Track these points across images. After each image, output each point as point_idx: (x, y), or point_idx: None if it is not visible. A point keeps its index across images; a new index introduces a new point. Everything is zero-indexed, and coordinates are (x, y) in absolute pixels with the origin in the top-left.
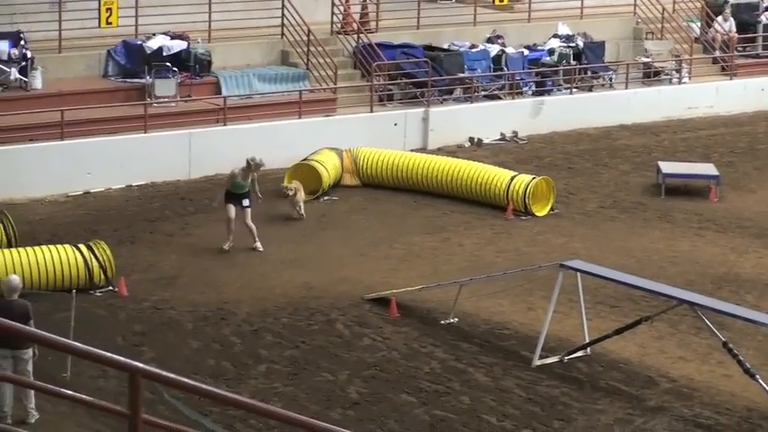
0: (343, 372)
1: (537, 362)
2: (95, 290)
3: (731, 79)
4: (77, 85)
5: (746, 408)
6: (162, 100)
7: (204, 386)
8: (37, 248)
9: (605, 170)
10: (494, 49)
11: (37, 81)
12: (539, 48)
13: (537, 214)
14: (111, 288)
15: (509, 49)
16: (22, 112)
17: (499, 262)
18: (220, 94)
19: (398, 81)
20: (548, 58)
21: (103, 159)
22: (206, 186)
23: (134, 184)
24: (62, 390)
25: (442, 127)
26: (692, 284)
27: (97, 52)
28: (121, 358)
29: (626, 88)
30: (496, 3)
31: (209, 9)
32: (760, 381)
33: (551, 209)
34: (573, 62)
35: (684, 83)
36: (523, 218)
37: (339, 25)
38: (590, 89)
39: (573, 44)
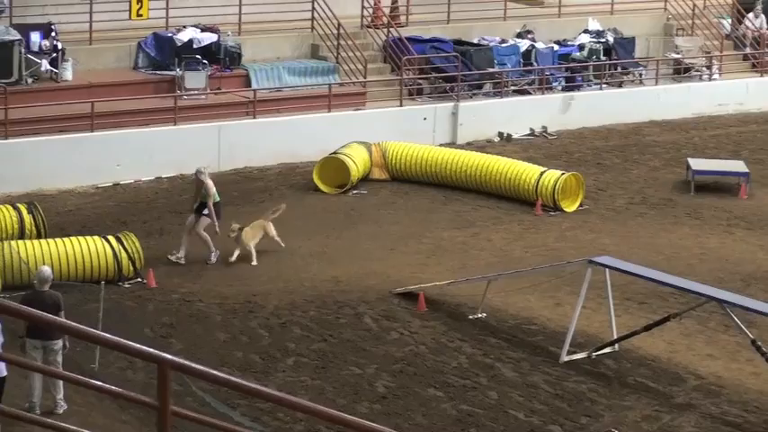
0: (371, 365)
1: (565, 358)
2: (124, 281)
3: (762, 76)
4: (108, 77)
5: None
6: (192, 92)
7: (233, 378)
8: (66, 240)
9: (635, 166)
10: (524, 44)
11: (67, 73)
12: (569, 43)
13: (566, 210)
14: (139, 280)
15: (539, 44)
16: (52, 103)
17: (528, 257)
18: (250, 87)
19: (428, 75)
20: (578, 54)
21: (133, 151)
22: (235, 179)
23: (163, 176)
24: (91, 380)
25: (472, 122)
26: (720, 282)
27: (127, 44)
28: (151, 349)
29: (656, 84)
30: None
31: (240, 2)
32: None
33: (580, 205)
34: (603, 58)
35: (715, 79)
36: (552, 213)
37: (369, 19)
38: (620, 85)
39: (603, 40)
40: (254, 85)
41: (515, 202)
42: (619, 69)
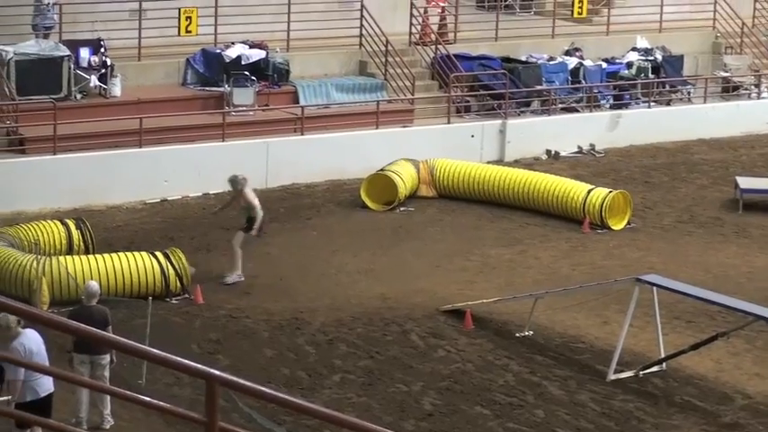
0: (418, 383)
1: (612, 376)
2: (171, 297)
3: None
4: (156, 93)
5: None
6: (240, 109)
7: (281, 394)
8: (114, 255)
9: (682, 184)
10: (572, 62)
11: (116, 88)
12: (617, 61)
13: (613, 228)
14: (187, 296)
15: (587, 62)
16: (101, 119)
17: (575, 275)
18: (298, 103)
19: (476, 93)
20: (626, 72)
21: (181, 167)
22: (282, 196)
23: (211, 192)
24: (139, 396)
25: (519, 139)
26: None
27: (176, 60)
28: (199, 366)
29: (704, 102)
30: (575, 15)
31: (288, 18)
32: None
33: (628, 223)
34: (651, 76)
35: (763, 98)
36: (600, 231)
37: (417, 36)
38: (668, 103)
39: (651, 57)
40: (301, 102)
41: (563, 219)
42: (667, 87)
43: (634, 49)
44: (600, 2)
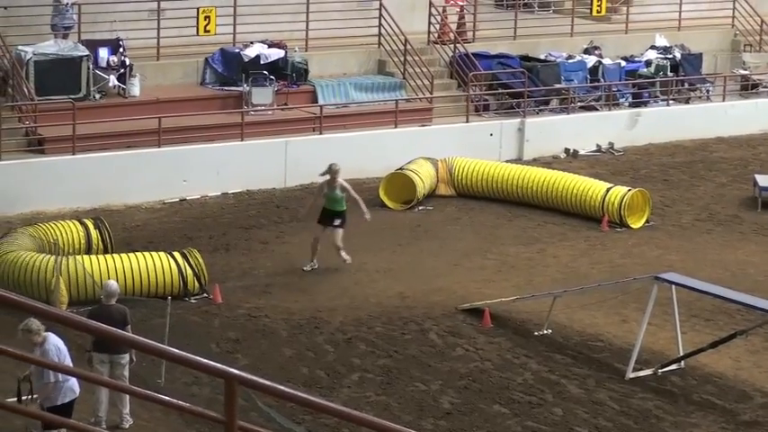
0: (436, 382)
1: (630, 374)
2: (190, 297)
3: None
4: (175, 93)
5: None
6: (258, 108)
7: (300, 393)
8: (132, 255)
9: (701, 183)
10: (591, 60)
11: (135, 88)
12: (636, 59)
13: (632, 226)
14: (205, 295)
15: (606, 60)
16: (120, 118)
17: (594, 274)
18: (317, 102)
19: (495, 91)
20: (645, 70)
21: (200, 167)
22: (301, 195)
23: (230, 192)
24: (158, 395)
25: (538, 138)
26: None
27: (195, 60)
28: (219, 365)
29: (723, 101)
30: (594, 14)
31: (307, 18)
32: None
33: (647, 221)
34: (670, 74)
35: None
36: (618, 230)
37: (436, 35)
38: (687, 101)
39: (670, 56)
40: (320, 101)
41: (581, 218)
42: (686, 85)
43: (653, 47)
44: (618, 0)
